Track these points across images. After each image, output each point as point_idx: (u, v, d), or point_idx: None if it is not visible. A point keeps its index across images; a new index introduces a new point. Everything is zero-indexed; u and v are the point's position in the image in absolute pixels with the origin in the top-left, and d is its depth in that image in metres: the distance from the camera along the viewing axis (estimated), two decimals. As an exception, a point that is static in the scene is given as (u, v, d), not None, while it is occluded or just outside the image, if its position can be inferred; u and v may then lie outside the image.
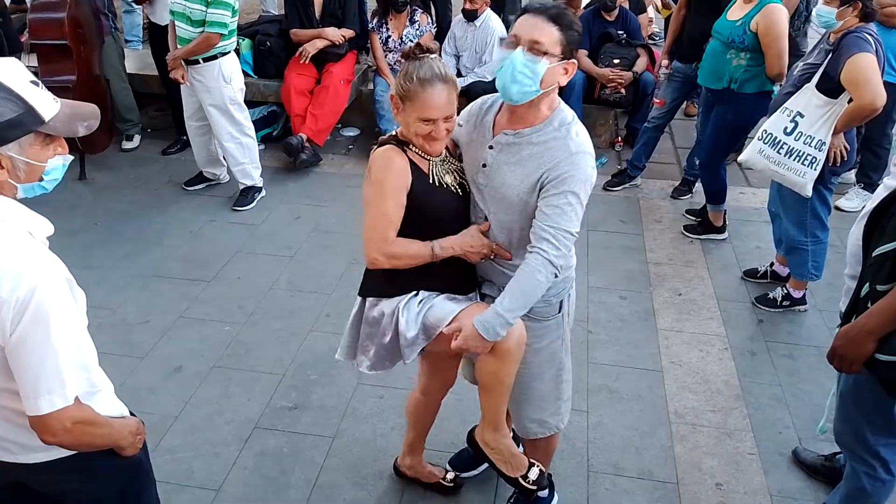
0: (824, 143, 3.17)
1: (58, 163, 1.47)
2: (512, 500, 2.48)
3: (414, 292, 2.03)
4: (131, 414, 1.71)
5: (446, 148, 2.06)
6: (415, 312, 2.01)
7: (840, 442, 2.23)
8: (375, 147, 2.01)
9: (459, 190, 2.02)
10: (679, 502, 2.55)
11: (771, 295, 3.66)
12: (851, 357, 1.88)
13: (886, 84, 4.34)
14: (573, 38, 1.86)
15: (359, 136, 5.52)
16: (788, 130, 3.27)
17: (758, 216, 4.39)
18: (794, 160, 3.26)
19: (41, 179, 1.46)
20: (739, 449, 2.78)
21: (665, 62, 4.61)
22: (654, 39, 6.21)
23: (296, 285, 3.72)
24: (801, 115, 3.23)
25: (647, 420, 2.91)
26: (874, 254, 1.84)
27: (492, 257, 1.99)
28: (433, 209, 1.97)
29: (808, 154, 3.21)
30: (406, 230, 1.96)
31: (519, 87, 1.84)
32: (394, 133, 2.02)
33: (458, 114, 1.99)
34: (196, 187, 4.73)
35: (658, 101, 4.62)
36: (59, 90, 3.55)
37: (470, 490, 2.59)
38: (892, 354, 1.80)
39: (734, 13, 3.82)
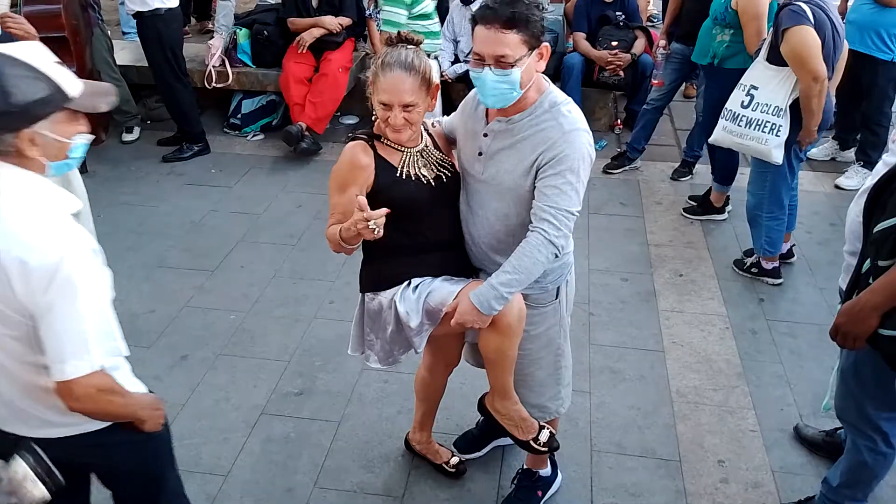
0: (781, 108, 3.27)
1: (81, 140, 1.52)
2: (516, 481, 2.51)
3: (406, 281, 2.05)
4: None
5: (431, 138, 2.08)
6: (413, 300, 2.02)
7: (841, 417, 2.25)
8: (347, 139, 2.05)
9: (433, 182, 2.02)
10: (682, 480, 2.59)
11: (746, 260, 3.75)
12: (855, 333, 1.89)
13: (882, 62, 4.38)
14: (536, 26, 1.81)
15: (358, 124, 5.51)
16: (745, 104, 3.39)
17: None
18: (754, 129, 3.36)
19: (67, 157, 1.51)
20: (741, 426, 2.81)
21: (663, 43, 4.59)
22: (653, 21, 6.17)
23: (299, 273, 3.74)
24: (756, 88, 3.35)
25: (649, 399, 2.94)
26: (875, 230, 1.85)
27: (377, 232, 1.81)
28: (400, 202, 1.96)
29: (767, 121, 3.31)
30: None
31: (498, 97, 1.87)
32: (370, 124, 2.04)
33: (444, 108, 2.00)
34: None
35: (657, 82, 4.61)
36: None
37: (475, 472, 2.62)
38: (895, 329, 1.82)
39: None
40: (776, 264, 3.68)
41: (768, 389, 2.99)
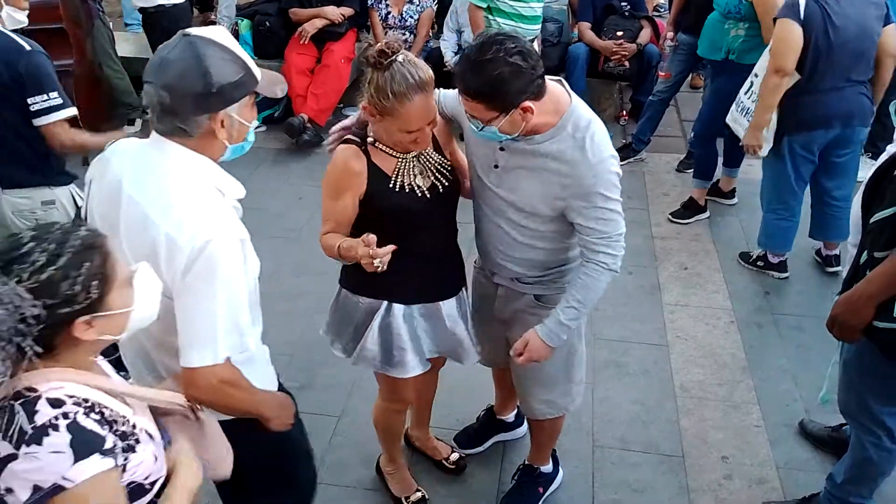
0: None
1: (254, 124, 1.54)
2: (516, 477, 2.49)
3: (385, 304, 2.01)
4: (281, 389, 1.73)
5: (432, 142, 1.98)
6: (377, 341, 2.04)
7: (845, 412, 2.23)
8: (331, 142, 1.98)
9: (428, 192, 1.93)
10: (685, 475, 2.56)
11: (752, 252, 3.71)
12: (850, 324, 1.88)
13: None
14: (506, 95, 1.68)
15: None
16: (746, 90, 3.40)
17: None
18: (744, 117, 3.36)
19: (245, 139, 1.53)
20: (746, 421, 2.78)
21: (670, 34, 4.53)
22: (659, 11, 6.10)
23: (301, 267, 3.72)
24: (756, 76, 3.33)
25: (653, 394, 2.92)
26: (872, 220, 1.82)
27: (380, 268, 1.78)
28: (391, 213, 1.91)
29: (751, 110, 3.31)
30: (368, 230, 1.89)
31: (490, 139, 1.83)
32: (362, 125, 1.95)
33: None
34: None
35: (663, 73, 4.55)
36: (60, 75, 3.52)
37: (475, 468, 2.61)
38: (891, 321, 1.79)
39: None
40: (783, 258, 3.62)
41: (773, 384, 2.96)
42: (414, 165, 1.94)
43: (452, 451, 2.60)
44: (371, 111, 1.81)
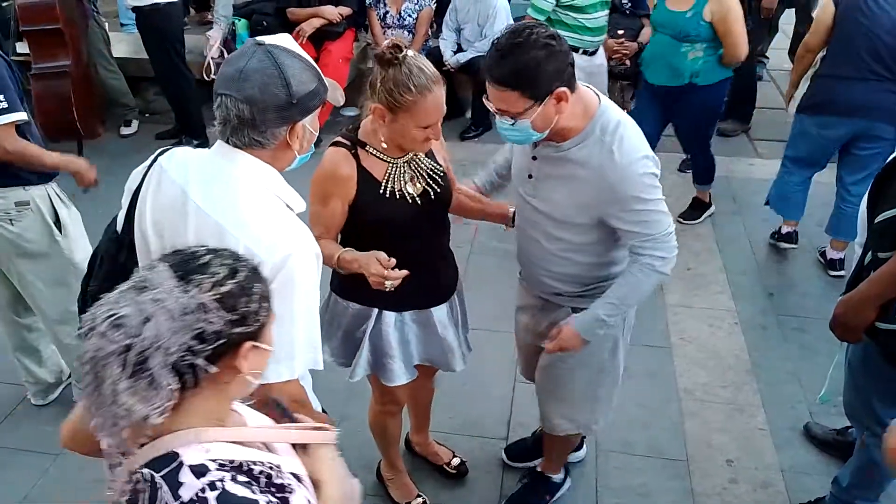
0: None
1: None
2: (525, 480, 2.46)
3: (376, 311, 1.99)
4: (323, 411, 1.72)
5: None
6: (369, 348, 2.03)
7: (850, 414, 2.21)
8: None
9: (419, 199, 1.88)
10: (689, 480, 2.53)
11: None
12: (852, 325, 1.86)
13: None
14: (538, 81, 1.62)
15: (359, 116, 5.44)
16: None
17: (766, 186, 4.30)
18: None
19: (311, 149, 1.51)
20: (750, 424, 2.75)
21: None
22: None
23: (299, 268, 3.69)
24: None
25: (656, 397, 2.88)
26: (876, 220, 1.80)
27: (389, 289, 1.76)
28: (380, 220, 1.87)
29: None
30: (359, 237, 1.88)
31: (518, 141, 1.79)
32: (353, 127, 1.89)
33: (447, 100, 1.85)
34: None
35: None
36: (56, 75, 3.48)
37: (477, 473, 2.57)
38: (892, 322, 1.77)
39: (677, 3, 3.51)
40: (792, 229, 3.71)
41: (778, 386, 2.93)
42: (405, 171, 1.88)
43: (454, 456, 2.57)
44: (382, 112, 1.75)
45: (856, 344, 1.98)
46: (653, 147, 3.10)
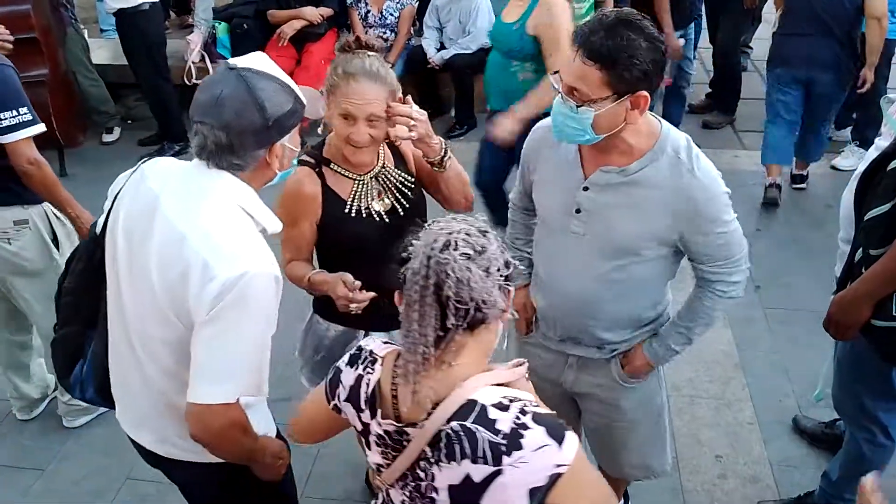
0: None
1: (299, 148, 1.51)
2: None
3: (362, 334, 1.95)
4: (279, 436, 1.67)
5: (393, 151, 1.87)
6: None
7: (839, 409, 2.21)
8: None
9: (387, 216, 1.83)
10: (679, 476, 2.53)
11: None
12: (847, 324, 1.85)
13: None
14: (630, 71, 1.47)
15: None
16: None
17: (753, 178, 4.31)
18: None
19: (291, 165, 1.52)
20: (738, 419, 2.76)
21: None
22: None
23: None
24: None
25: (644, 394, 2.88)
26: (866, 217, 1.80)
27: (355, 312, 1.75)
28: (346, 239, 1.83)
29: None
30: (329, 258, 1.86)
31: (561, 134, 1.61)
32: (318, 144, 1.86)
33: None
34: None
35: (667, 80, 4.42)
36: (33, 85, 3.42)
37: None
38: (888, 320, 1.77)
39: (510, 13, 3.01)
40: (774, 182, 4.07)
41: (766, 380, 2.93)
42: (372, 187, 1.84)
43: None
44: (325, 97, 1.75)
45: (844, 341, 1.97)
46: (503, 180, 3.01)
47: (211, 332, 1.33)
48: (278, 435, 1.69)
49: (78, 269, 1.62)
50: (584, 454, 1.14)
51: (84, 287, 1.60)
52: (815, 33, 3.70)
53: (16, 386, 2.81)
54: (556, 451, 1.09)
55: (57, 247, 2.55)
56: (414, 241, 1.14)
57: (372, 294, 1.70)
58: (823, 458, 2.55)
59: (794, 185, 4.29)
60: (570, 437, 1.11)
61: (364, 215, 1.82)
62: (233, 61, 1.41)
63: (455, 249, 1.09)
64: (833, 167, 4.52)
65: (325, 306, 1.96)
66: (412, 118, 1.69)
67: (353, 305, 1.71)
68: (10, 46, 2.58)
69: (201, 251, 1.33)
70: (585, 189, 1.67)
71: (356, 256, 1.81)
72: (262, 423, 1.59)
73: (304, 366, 2.10)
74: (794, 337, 3.14)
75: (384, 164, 1.86)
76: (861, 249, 1.83)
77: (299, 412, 1.40)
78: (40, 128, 2.36)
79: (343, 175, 1.82)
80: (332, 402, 1.28)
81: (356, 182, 1.83)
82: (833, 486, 2.23)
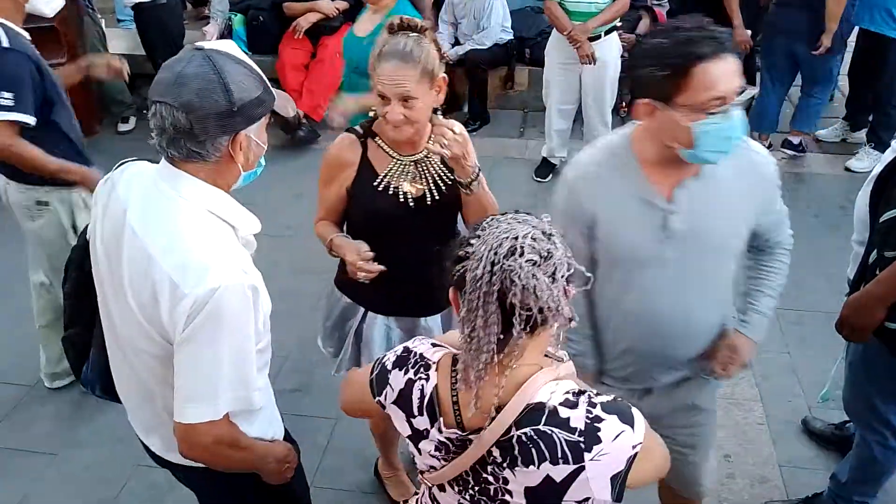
0: None
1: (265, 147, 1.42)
2: None
3: (363, 311, 2.03)
4: (287, 437, 1.63)
5: (433, 152, 1.80)
6: (352, 350, 2.06)
7: (849, 410, 2.20)
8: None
9: (412, 201, 1.83)
10: (687, 475, 2.53)
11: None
12: (860, 326, 1.84)
13: (893, 41, 4.28)
14: None
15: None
16: None
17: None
18: None
19: (258, 164, 1.42)
20: (748, 419, 2.75)
21: None
22: (659, 0, 6.03)
23: (297, 265, 3.68)
24: None
25: (653, 392, 2.88)
26: (881, 220, 1.79)
27: (363, 280, 1.80)
28: (370, 213, 1.86)
29: None
30: (351, 226, 1.92)
31: (732, 147, 1.52)
32: (372, 118, 1.90)
33: (446, 97, 1.79)
34: None
35: None
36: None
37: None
38: None
39: (362, 25, 2.90)
40: (765, 142, 4.35)
41: (775, 380, 2.93)
42: (409, 170, 1.86)
43: (414, 494, 2.50)
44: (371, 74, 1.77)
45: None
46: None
47: (188, 350, 1.28)
48: (287, 437, 1.64)
49: (73, 276, 1.60)
50: (648, 425, 1.14)
51: (80, 293, 1.57)
52: (798, 4, 4.16)
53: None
54: (630, 434, 1.09)
55: (76, 234, 2.59)
56: (473, 241, 1.08)
57: (381, 267, 1.75)
58: (832, 459, 2.54)
59: (792, 151, 4.61)
60: (638, 415, 1.12)
61: (391, 193, 1.85)
62: (200, 44, 1.32)
63: (521, 256, 1.05)
64: (847, 169, 4.49)
65: (340, 278, 2.04)
66: (446, 137, 1.66)
67: (360, 274, 1.76)
68: None
69: (168, 269, 1.26)
70: (672, 213, 1.58)
71: (377, 231, 1.86)
72: (268, 427, 1.54)
73: (321, 330, 2.19)
74: (806, 338, 3.13)
75: (428, 155, 1.86)
76: (876, 251, 1.82)
77: (346, 383, 1.43)
78: (19, 117, 2.32)
79: (385, 151, 1.86)
80: (377, 399, 1.25)
81: (395, 161, 1.86)
82: (842, 487, 2.23)
